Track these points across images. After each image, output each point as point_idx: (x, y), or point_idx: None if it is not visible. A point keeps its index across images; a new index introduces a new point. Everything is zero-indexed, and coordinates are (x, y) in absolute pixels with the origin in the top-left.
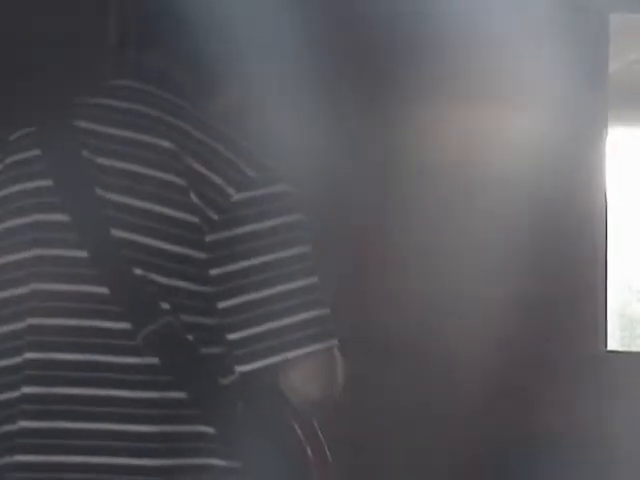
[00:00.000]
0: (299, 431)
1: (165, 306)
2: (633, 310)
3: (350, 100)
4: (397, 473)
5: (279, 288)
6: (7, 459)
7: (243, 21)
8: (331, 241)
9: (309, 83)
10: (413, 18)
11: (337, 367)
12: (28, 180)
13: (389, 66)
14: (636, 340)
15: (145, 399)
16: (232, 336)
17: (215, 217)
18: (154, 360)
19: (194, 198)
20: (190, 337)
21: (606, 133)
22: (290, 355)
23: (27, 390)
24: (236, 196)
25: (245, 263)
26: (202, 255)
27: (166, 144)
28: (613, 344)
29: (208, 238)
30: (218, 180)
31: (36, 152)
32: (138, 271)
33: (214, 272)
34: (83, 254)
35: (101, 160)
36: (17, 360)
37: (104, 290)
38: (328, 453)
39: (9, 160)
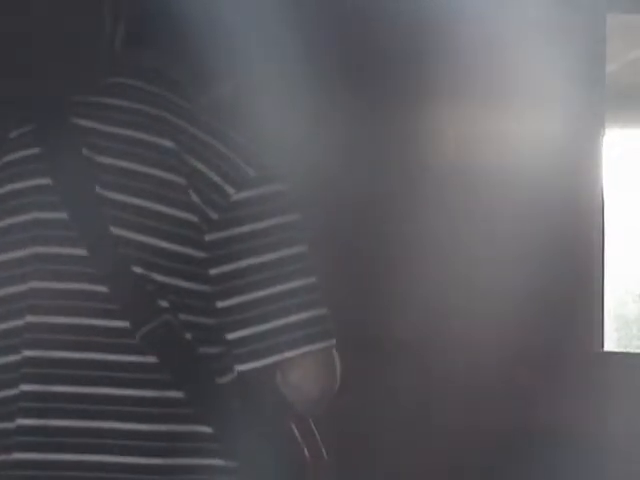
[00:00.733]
0: (296, 430)
1: (164, 305)
2: (630, 311)
3: (350, 100)
4: (397, 473)
5: (278, 287)
6: (5, 456)
7: (239, 20)
8: (330, 241)
9: (307, 82)
10: (413, 18)
11: (335, 367)
12: (27, 178)
13: (389, 66)
14: (633, 341)
15: (143, 398)
16: (231, 335)
17: (215, 216)
18: (152, 359)
19: (194, 197)
20: (189, 336)
21: (603, 134)
22: (289, 354)
23: (25, 388)
24: (235, 195)
25: (244, 263)
26: (201, 254)
27: (166, 143)
28: (610, 345)
29: (207, 237)
30: (218, 179)
31: (35, 150)
32: (137, 269)
33: (213, 271)
34: (82, 252)
35: (101, 158)
36: (16, 358)
37: (103, 288)
38: (325, 452)
39: (8, 158)
